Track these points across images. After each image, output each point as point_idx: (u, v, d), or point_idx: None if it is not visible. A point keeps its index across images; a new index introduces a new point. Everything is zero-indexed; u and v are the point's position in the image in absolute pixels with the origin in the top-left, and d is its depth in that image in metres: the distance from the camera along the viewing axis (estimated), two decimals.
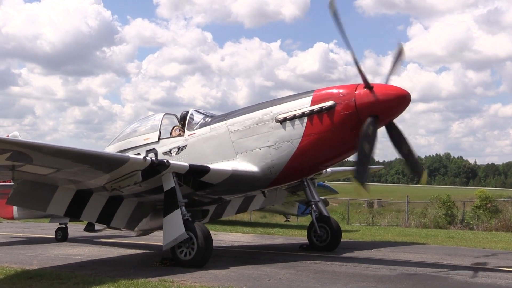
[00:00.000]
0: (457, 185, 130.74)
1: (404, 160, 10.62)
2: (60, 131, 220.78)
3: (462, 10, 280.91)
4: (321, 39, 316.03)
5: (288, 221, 26.75)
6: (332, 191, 22.69)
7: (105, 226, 12.87)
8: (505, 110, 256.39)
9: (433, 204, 27.60)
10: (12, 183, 10.70)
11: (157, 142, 12.22)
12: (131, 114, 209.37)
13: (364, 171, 9.85)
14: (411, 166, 10.81)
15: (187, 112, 12.19)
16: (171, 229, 9.81)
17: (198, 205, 11.91)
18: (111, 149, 12.97)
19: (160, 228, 11.13)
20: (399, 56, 10.66)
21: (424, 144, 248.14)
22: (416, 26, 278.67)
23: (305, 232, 13.59)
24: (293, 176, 11.18)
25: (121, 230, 12.96)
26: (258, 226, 22.06)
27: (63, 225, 15.36)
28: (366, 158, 9.75)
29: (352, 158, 10.66)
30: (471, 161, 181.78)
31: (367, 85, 9.97)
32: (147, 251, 12.97)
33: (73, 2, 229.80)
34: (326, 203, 21.55)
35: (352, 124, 9.96)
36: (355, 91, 10.09)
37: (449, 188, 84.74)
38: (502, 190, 71.34)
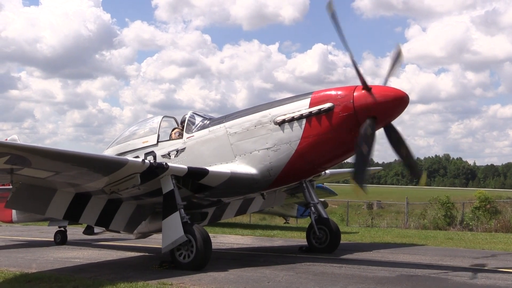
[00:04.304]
0: (456, 186, 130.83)
1: (403, 162, 10.70)
2: (60, 134, 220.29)
3: (459, 12, 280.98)
4: (320, 41, 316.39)
5: (288, 223, 26.74)
6: (331, 193, 22.73)
7: (104, 229, 12.87)
8: (504, 111, 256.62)
9: (432, 206, 27.62)
10: (11, 187, 10.69)
11: (156, 145, 12.21)
12: (130, 117, 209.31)
13: (363, 173, 9.88)
14: (409, 167, 10.90)
15: (186, 114, 12.21)
16: (170, 231, 9.80)
17: (197, 208, 11.92)
18: (110, 152, 12.95)
19: (159, 231, 11.11)
20: (397, 58, 10.71)
21: (423, 145, 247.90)
22: (414, 28, 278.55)
23: (304, 234, 13.59)
24: (292, 178, 11.17)
25: (120, 233, 12.95)
26: (257, 228, 22.05)
27: (62, 228, 15.33)
28: (364, 160, 9.79)
29: (351, 159, 10.68)
30: (471, 162, 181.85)
31: (365, 87, 10.00)
32: (146, 254, 12.96)
33: (72, 5, 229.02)
34: (325, 205, 21.59)
35: (351, 126, 9.98)
36: (353, 92, 10.11)
37: (448, 189, 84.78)
38: (501, 191, 71.52)
